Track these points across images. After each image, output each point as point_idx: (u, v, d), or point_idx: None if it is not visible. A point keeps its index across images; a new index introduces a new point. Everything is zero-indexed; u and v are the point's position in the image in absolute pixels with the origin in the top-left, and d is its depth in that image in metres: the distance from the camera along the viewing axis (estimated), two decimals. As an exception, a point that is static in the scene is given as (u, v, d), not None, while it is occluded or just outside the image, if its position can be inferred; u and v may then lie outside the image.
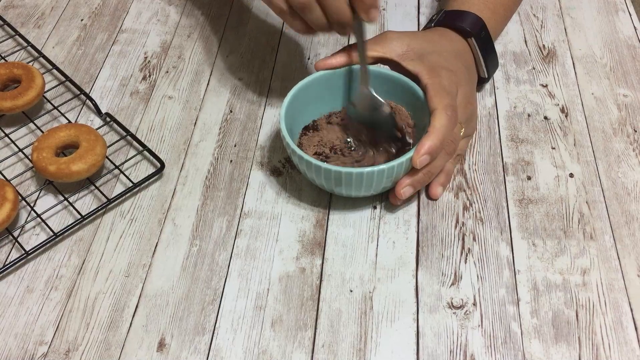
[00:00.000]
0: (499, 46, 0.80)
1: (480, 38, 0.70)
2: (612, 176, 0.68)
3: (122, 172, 0.68)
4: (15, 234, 0.64)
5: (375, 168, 0.59)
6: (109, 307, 0.59)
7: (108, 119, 0.73)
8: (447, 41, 0.69)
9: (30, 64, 0.79)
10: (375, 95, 0.64)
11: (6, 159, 0.70)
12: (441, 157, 0.62)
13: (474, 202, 0.66)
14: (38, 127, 0.73)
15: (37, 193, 0.67)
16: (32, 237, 0.64)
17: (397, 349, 0.56)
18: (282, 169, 0.69)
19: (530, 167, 0.68)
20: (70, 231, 0.64)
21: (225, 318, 0.58)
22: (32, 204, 0.66)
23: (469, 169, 0.68)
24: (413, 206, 0.65)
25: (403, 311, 0.58)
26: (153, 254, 0.62)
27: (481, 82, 0.75)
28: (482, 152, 0.70)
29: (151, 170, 0.69)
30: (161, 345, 0.56)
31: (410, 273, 0.61)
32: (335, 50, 0.67)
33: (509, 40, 0.82)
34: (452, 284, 0.60)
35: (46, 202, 0.66)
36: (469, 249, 0.62)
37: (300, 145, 0.66)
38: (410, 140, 0.65)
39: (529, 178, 0.68)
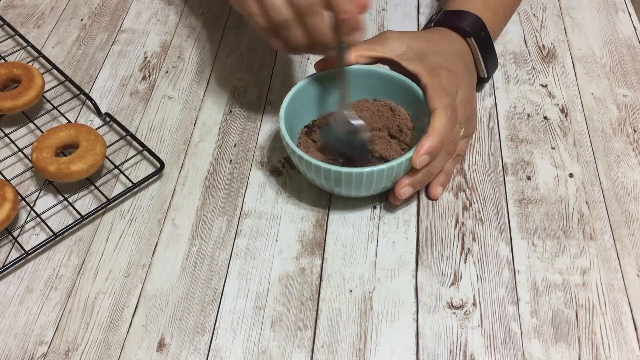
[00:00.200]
0: (498, 46, 0.80)
1: (479, 38, 0.70)
2: (612, 176, 0.68)
3: (121, 172, 0.68)
4: (15, 234, 0.64)
5: (375, 168, 0.59)
6: (109, 307, 0.59)
7: (108, 119, 0.73)
8: (447, 41, 0.69)
9: (30, 64, 0.79)
10: (353, 119, 0.63)
11: (6, 159, 0.70)
12: (441, 157, 0.62)
13: (474, 202, 0.66)
14: (38, 127, 0.73)
15: (37, 193, 0.67)
16: (31, 237, 0.64)
17: (396, 349, 0.56)
18: (282, 169, 0.69)
19: (530, 167, 0.68)
20: (70, 231, 0.64)
21: (225, 318, 0.58)
22: (31, 204, 0.66)
23: (469, 169, 0.68)
24: (413, 206, 0.65)
25: (403, 311, 0.58)
26: (153, 254, 0.62)
27: (481, 82, 0.75)
28: (481, 152, 0.70)
29: (151, 170, 0.69)
30: (161, 345, 0.56)
31: (409, 273, 0.61)
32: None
33: (508, 40, 0.82)
34: (452, 284, 0.60)
35: (46, 202, 0.66)
36: (468, 249, 0.62)
37: (299, 145, 0.66)
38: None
39: (528, 178, 0.68)
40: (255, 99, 0.76)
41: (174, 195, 0.67)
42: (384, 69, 0.67)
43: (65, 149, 0.68)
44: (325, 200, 0.66)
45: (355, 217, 0.65)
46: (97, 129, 0.71)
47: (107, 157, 0.69)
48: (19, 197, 0.65)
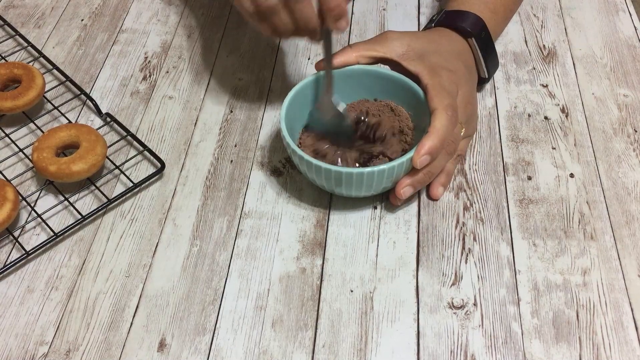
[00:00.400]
0: (499, 46, 0.80)
1: (480, 38, 0.70)
2: (613, 176, 0.68)
3: (122, 172, 0.68)
4: (16, 234, 0.64)
5: (375, 168, 0.59)
6: (110, 307, 0.59)
7: (108, 119, 0.73)
8: (448, 41, 0.69)
9: (31, 64, 0.79)
10: (337, 104, 0.64)
11: (6, 159, 0.70)
12: (441, 157, 0.62)
13: (475, 202, 0.66)
14: (38, 127, 0.73)
15: (38, 193, 0.67)
16: (32, 237, 0.64)
17: (397, 349, 0.56)
18: (283, 169, 0.69)
19: (531, 167, 0.68)
20: (70, 231, 0.64)
21: (226, 318, 0.58)
22: (32, 204, 0.66)
23: (470, 169, 0.68)
24: (413, 206, 0.65)
25: (403, 311, 0.58)
26: (153, 254, 0.62)
27: (481, 82, 0.75)
28: (482, 152, 0.70)
29: (151, 170, 0.69)
30: (162, 346, 0.56)
31: (410, 273, 0.61)
32: (335, 51, 0.67)
33: (509, 40, 0.82)
34: (453, 284, 0.60)
35: (46, 202, 0.66)
36: (469, 249, 0.62)
37: (300, 145, 0.66)
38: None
39: (529, 178, 0.68)
40: (256, 99, 0.76)
41: (175, 195, 0.67)
42: (384, 69, 0.67)
43: (66, 149, 0.68)
44: (326, 200, 0.66)
45: (356, 217, 0.65)
46: (97, 129, 0.71)
47: (107, 157, 0.69)
48: (20, 197, 0.65)
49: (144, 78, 0.79)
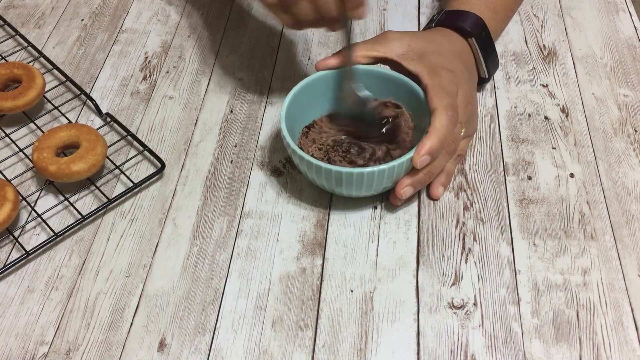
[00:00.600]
0: (499, 46, 0.80)
1: (480, 38, 0.70)
2: (613, 176, 0.68)
3: (122, 172, 0.68)
4: (16, 234, 0.64)
5: (376, 168, 0.59)
6: (110, 307, 0.59)
7: (108, 119, 0.73)
8: (448, 41, 0.69)
9: (31, 64, 0.79)
10: (360, 91, 0.65)
11: (7, 159, 0.70)
12: (442, 157, 0.62)
13: (475, 202, 0.66)
14: (38, 127, 0.73)
15: (38, 193, 0.67)
16: (32, 237, 0.64)
17: (397, 349, 0.56)
18: (283, 169, 0.69)
19: (531, 167, 0.68)
20: (70, 231, 0.64)
21: (226, 318, 0.58)
22: (32, 204, 0.66)
23: (470, 169, 0.68)
24: (413, 206, 0.65)
25: (404, 311, 0.58)
26: (154, 254, 0.62)
27: (481, 82, 0.75)
28: (482, 152, 0.70)
29: (152, 170, 0.69)
30: (162, 345, 0.56)
31: (410, 273, 0.61)
32: (336, 50, 0.67)
33: (509, 40, 0.82)
34: (453, 284, 0.60)
35: (47, 202, 0.66)
36: (469, 249, 0.62)
37: (300, 145, 0.66)
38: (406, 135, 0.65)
39: (529, 178, 0.68)
40: (256, 99, 0.76)
41: (175, 195, 0.67)
42: (384, 69, 0.67)
43: (66, 149, 0.68)
44: (326, 200, 0.66)
45: (356, 217, 0.65)
46: (97, 129, 0.71)
47: (107, 157, 0.69)
48: (20, 197, 0.65)
49: (144, 78, 0.79)
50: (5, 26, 0.84)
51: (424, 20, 0.85)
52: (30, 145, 0.69)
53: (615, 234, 0.63)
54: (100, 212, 0.65)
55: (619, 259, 0.61)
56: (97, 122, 0.74)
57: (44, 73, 0.76)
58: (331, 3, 0.59)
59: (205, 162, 0.70)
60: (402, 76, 0.65)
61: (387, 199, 0.65)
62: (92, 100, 0.75)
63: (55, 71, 0.78)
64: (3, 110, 0.71)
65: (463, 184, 0.67)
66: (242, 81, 0.78)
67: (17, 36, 0.83)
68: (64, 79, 0.77)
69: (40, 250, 0.62)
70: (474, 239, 0.63)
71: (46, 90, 0.75)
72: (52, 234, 0.63)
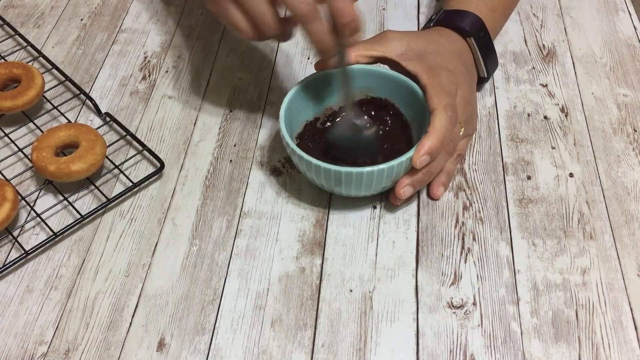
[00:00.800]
0: (498, 46, 0.80)
1: (479, 37, 0.70)
2: (612, 176, 0.68)
3: (121, 171, 0.68)
4: (15, 233, 0.64)
5: (375, 168, 0.59)
6: (109, 307, 0.59)
7: (108, 119, 0.73)
8: (447, 41, 0.69)
9: (30, 63, 0.79)
10: (357, 119, 0.64)
11: (6, 159, 0.70)
12: (441, 157, 0.62)
13: (474, 202, 0.66)
14: (38, 127, 0.72)
15: (37, 193, 0.67)
16: (31, 237, 0.64)
17: (397, 348, 0.56)
18: (282, 168, 0.69)
19: (530, 166, 0.68)
20: (70, 231, 0.64)
21: (225, 318, 0.58)
22: (31, 204, 0.66)
23: (469, 168, 0.68)
24: (413, 206, 0.65)
25: (403, 311, 0.58)
26: (153, 253, 0.62)
27: (481, 81, 0.75)
28: (482, 152, 0.70)
29: (151, 170, 0.69)
30: (161, 345, 0.56)
31: (410, 273, 0.61)
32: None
33: (508, 40, 0.82)
34: (452, 283, 0.60)
35: (46, 201, 0.66)
36: (468, 249, 0.62)
37: (299, 145, 0.66)
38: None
39: (528, 178, 0.68)
40: (256, 98, 0.76)
41: (174, 195, 0.67)
42: (384, 68, 0.67)
43: (65, 149, 0.68)
44: (326, 200, 0.66)
45: (356, 217, 0.65)
46: (97, 128, 0.71)
47: (107, 157, 0.69)
48: (19, 197, 0.65)
49: (144, 78, 0.79)
50: (5, 26, 0.84)
51: (423, 20, 0.85)
52: (30, 144, 0.69)
53: (614, 234, 0.63)
54: (99, 212, 0.65)
55: (618, 258, 0.61)
56: (97, 121, 0.74)
57: (43, 73, 0.76)
58: (324, 34, 0.57)
59: (205, 162, 0.70)
60: (402, 76, 0.65)
61: (387, 199, 0.65)
62: (91, 100, 0.75)
63: (54, 71, 0.78)
64: (2, 110, 0.71)
65: (462, 184, 0.67)
66: (242, 81, 0.78)
67: (17, 36, 0.83)
68: (63, 79, 0.77)
69: (40, 250, 0.62)
70: (474, 239, 0.63)
71: (45, 90, 0.75)
72: (51, 233, 0.63)
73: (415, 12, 0.87)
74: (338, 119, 0.67)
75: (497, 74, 0.78)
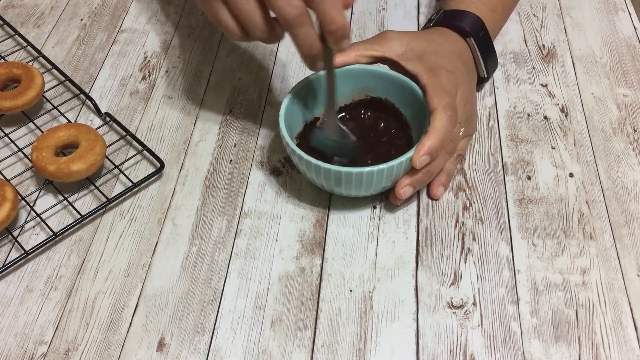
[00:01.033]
0: (498, 46, 0.80)
1: (479, 37, 0.70)
2: (612, 176, 0.68)
3: (121, 171, 0.68)
4: (15, 233, 0.64)
5: (375, 168, 0.59)
6: (109, 307, 0.59)
7: (108, 119, 0.73)
8: (447, 41, 0.69)
9: (30, 63, 0.79)
10: (340, 124, 0.63)
11: (6, 159, 0.70)
12: (441, 157, 0.62)
13: (474, 202, 0.66)
14: (38, 127, 0.72)
15: (37, 193, 0.67)
16: (31, 237, 0.64)
17: (396, 348, 0.56)
18: (282, 168, 0.69)
19: (530, 166, 0.68)
20: (70, 231, 0.64)
21: (225, 318, 0.58)
22: (31, 204, 0.66)
23: (469, 168, 0.68)
24: (413, 206, 0.65)
25: (403, 311, 0.58)
26: (153, 253, 0.62)
27: (481, 81, 0.75)
28: (482, 152, 0.70)
29: (151, 170, 0.69)
30: (161, 345, 0.56)
31: (410, 273, 0.61)
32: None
33: (508, 40, 0.82)
34: (452, 283, 0.60)
35: (46, 201, 0.66)
36: (468, 249, 0.62)
37: (299, 145, 0.66)
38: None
39: (528, 178, 0.68)
40: (255, 98, 0.76)
41: (174, 195, 0.67)
42: (384, 68, 0.67)
43: (65, 149, 0.68)
44: (325, 200, 0.66)
45: (356, 217, 0.65)
46: (97, 128, 0.71)
47: (107, 157, 0.69)
48: (19, 197, 0.65)
49: (144, 78, 0.79)
50: (5, 26, 0.84)
51: (423, 20, 0.85)
52: (30, 144, 0.69)
53: (614, 234, 0.63)
54: (99, 212, 0.65)
55: (618, 258, 0.61)
56: (97, 121, 0.74)
57: (43, 73, 0.76)
58: (313, 39, 0.55)
59: (205, 162, 0.70)
60: (401, 76, 0.65)
61: (387, 199, 0.65)
62: (91, 100, 0.75)
63: (54, 71, 0.78)
64: (2, 110, 0.71)
65: (462, 184, 0.67)
66: (242, 81, 0.78)
67: (17, 36, 0.83)
68: (63, 79, 0.77)
69: (40, 250, 0.62)
70: (473, 239, 0.63)
71: (45, 90, 0.75)
72: (51, 233, 0.63)
73: (415, 12, 0.87)
74: (318, 124, 0.65)
75: (497, 74, 0.78)
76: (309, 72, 0.65)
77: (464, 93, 0.64)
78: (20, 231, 0.64)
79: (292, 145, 0.61)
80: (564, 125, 0.72)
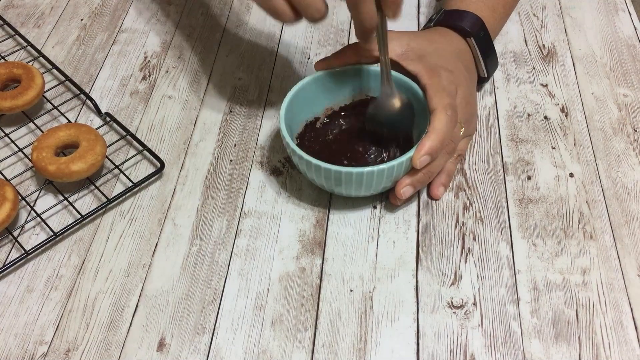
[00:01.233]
0: (498, 46, 0.80)
1: (479, 38, 0.70)
2: (612, 176, 0.68)
3: (122, 171, 0.68)
4: (15, 233, 0.64)
5: (375, 168, 0.59)
6: (109, 307, 0.59)
7: (108, 119, 0.73)
8: (447, 41, 0.69)
9: (30, 63, 0.79)
10: (395, 90, 0.63)
11: (6, 159, 0.70)
12: (441, 157, 0.62)
13: (474, 202, 0.66)
14: (38, 127, 0.72)
15: (37, 193, 0.67)
16: (32, 237, 0.64)
17: (397, 348, 0.56)
18: (282, 168, 0.69)
19: (530, 166, 0.68)
20: (70, 231, 0.64)
21: (225, 318, 0.58)
22: (32, 204, 0.66)
23: (469, 168, 0.68)
24: (413, 206, 0.65)
25: (403, 311, 0.58)
26: (153, 253, 0.62)
27: (481, 81, 0.75)
28: (482, 152, 0.70)
29: (151, 170, 0.69)
30: (161, 345, 0.56)
31: (410, 273, 0.61)
32: (335, 50, 0.67)
33: (508, 40, 0.82)
34: (452, 283, 0.60)
35: (46, 201, 0.66)
36: (469, 249, 0.62)
37: (299, 145, 0.66)
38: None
39: (529, 178, 0.68)
40: (256, 98, 0.76)
41: (174, 195, 0.67)
42: (384, 68, 0.67)
43: (66, 149, 0.68)
44: (326, 200, 0.66)
45: (356, 217, 0.65)
46: (97, 128, 0.71)
47: (107, 157, 0.69)
48: (19, 197, 0.65)
49: (144, 78, 0.79)
50: (5, 26, 0.84)
51: (423, 20, 0.85)
52: (30, 144, 0.69)
53: (614, 234, 0.63)
54: (99, 212, 0.65)
55: (619, 258, 0.61)
56: (97, 121, 0.74)
57: (43, 73, 0.76)
58: (373, 12, 0.57)
59: (205, 162, 0.70)
60: (402, 76, 0.65)
61: (387, 199, 0.65)
62: (91, 99, 0.75)
63: (54, 71, 0.78)
64: (2, 110, 0.71)
65: (462, 184, 0.67)
66: (242, 81, 0.78)
67: (17, 36, 0.83)
68: (64, 79, 0.77)
69: (40, 250, 0.62)
70: (474, 239, 0.63)
71: (45, 89, 0.75)
72: (51, 233, 0.63)
73: (415, 12, 0.87)
74: (378, 99, 0.65)
75: (497, 74, 0.78)
76: (309, 72, 0.65)
77: (464, 93, 0.64)
78: (21, 231, 0.64)
79: (292, 145, 0.61)
80: (564, 125, 0.72)
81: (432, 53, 0.65)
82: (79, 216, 0.64)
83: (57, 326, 0.58)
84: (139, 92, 0.77)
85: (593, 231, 0.63)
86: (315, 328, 0.57)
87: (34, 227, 0.65)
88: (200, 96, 0.77)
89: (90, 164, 0.65)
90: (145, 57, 0.81)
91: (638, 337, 0.56)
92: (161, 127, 0.73)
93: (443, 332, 0.57)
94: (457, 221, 0.64)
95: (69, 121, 0.72)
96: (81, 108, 0.76)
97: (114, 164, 0.69)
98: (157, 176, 0.68)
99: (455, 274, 0.60)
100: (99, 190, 0.66)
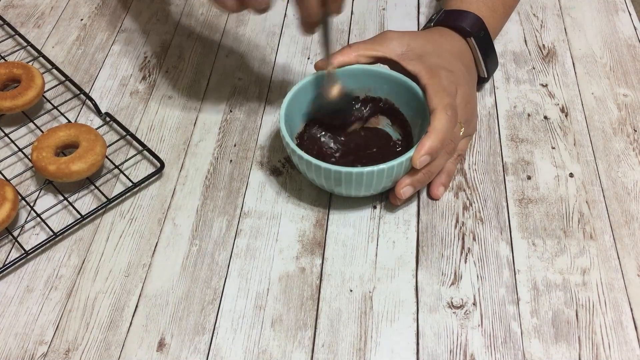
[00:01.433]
0: (498, 46, 0.80)
1: (479, 38, 0.70)
2: (612, 176, 0.68)
3: (121, 171, 0.68)
4: (15, 233, 0.64)
5: (375, 168, 0.59)
6: (109, 307, 0.59)
7: (108, 119, 0.73)
8: (447, 41, 0.69)
9: (30, 63, 0.79)
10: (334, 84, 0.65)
11: (6, 159, 0.70)
12: (441, 156, 0.62)
13: (474, 202, 0.66)
14: (38, 127, 0.72)
15: (37, 193, 0.67)
16: (31, 237, 0.64)
17: (397, 348, 0.56)
18: (282, 168, 0.69)
19: (530, 166, 0.68)
20: (70, 231, 0.64)
21: (225, 318, 0.58)
22: (31, 204, 0.66)
23: (469, 168, 0.68)
24: (413, 206, 0.65)
25: (403, 311, 0.58)
26: (153, 253, 0.62)
27: (481, 81, 0.75)
28: (482, 152, 0.70)
29: (151, 170, 0.69)
30: (161, 345, 0.56)
31: (410, 273, 0.61)
32: (335, 50, 0.67)
33: (508, 40, 0.82)
34: (452, 283, 0.60)
35: (46, 201, 0.66)
36: (468, 249, 0.62)
37: (299, 145, 0.66)
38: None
39: (528, 178, 0.68)
40: (255, 98, 0.76)
41: (174, 195, 0.67)
42: (384, 68, 0.67)
43: (66, 149, 0.68)
44: (326, 199, 0.66)
45: (356, 217, 0.65)
46: (97, 128, 0.71)
47: (107, 157, 0.69)
48: (19, 197, 0.65)
49: (144, 78, 0.79)
50: (5, 26, 0.84)
51: (423, 20, 0.85)
52: (30, 144, 0.69)
53: (614, 234, 0.63)
54: (99, 212, 0.65)
55: (619, 258, 0.61)
56: (97, 121, 0.74)
57: (43, 73, 0.76)
58: (315, 6, 0.58)
59: (205, 162, 0.70)
60: (402, 76, 0.65)
61: (387, 199, 0.65)
62: (91, 99, 0.75)
63: (54, 71, 0.78)
64: (2, 110, 0.71)
65: (462, 184, 0.67)
66: (242, 81, 0.78)
67: (17, 36, 0.83)
68: (64, 79, 0.77)
69: (40, 250, 0.62)
70: (474, 239, 0.63)
71: (45, 89, 0.75)
72: (51, 233, 0.63)
73: (415, 12, 0.87)
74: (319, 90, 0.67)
75: (497, 74, 0.78)
76: (309, 72, 0.65)
77: (464, 93, 0.64)
78: (21, 231, 0.64)
79: (292, 145, 0.61)
80: (564, 125, 0.72)
81: (432, 53, 0.65)
82: (78, 216, 0.64)
83: (57, 326, 0.58)
84: (139, 92, 0.77)
85: (593, 231, 0.63)
86: (315, 328, 0.57)
87: (34, 227, 0.65)
88: (200, 96, 0.77)
89: (90, 164, 0.65)
90: (145, 57, 0.81)
91: (638, 337, 0.56)
92: (161, 127, 0.73)
93: (443, 332, 0.57)
94: (457, 221, 0.64)
95: (69, 121, 0.73)
96: (81, 108, 0.76)
97: (113, 164, 0.69)
98: (157, 176, 0.68)
99: (455, 274, 0.60)
100: (99, 190, 0.66)
